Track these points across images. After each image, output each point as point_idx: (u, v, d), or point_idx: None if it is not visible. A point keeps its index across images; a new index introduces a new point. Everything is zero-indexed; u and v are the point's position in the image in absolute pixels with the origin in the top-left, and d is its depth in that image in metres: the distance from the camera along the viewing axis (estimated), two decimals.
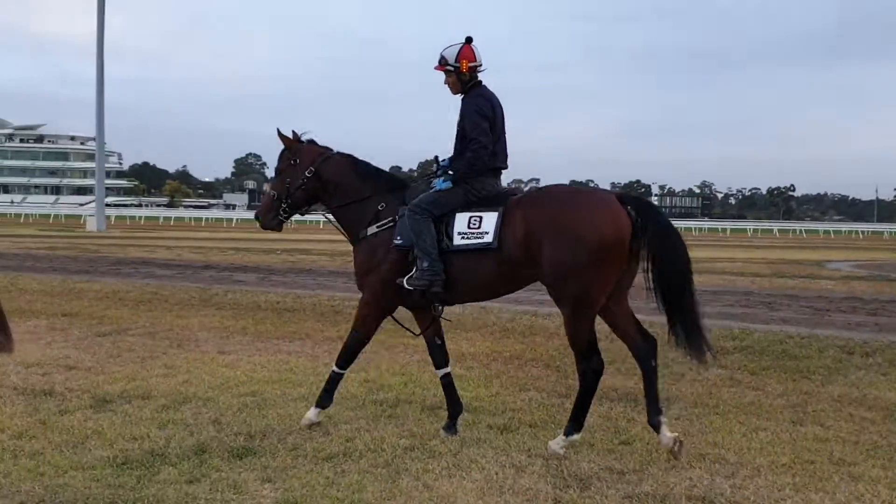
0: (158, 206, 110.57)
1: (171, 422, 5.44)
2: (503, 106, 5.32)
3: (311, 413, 5.36)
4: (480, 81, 5.28)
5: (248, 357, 7.69)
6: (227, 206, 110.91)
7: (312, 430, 5.29)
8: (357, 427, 5.39)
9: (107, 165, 73.50)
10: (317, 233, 41.97)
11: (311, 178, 5.47)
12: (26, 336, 8.48)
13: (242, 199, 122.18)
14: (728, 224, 77.27)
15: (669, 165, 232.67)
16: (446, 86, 5.30)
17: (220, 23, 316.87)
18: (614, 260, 4.72)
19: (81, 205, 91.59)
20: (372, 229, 5.27)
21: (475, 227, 4.94)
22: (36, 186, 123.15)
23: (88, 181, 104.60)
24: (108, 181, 77.35)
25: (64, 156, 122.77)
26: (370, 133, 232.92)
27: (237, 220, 68.21)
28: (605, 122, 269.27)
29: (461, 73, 5.20)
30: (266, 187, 5.93)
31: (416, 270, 5.01)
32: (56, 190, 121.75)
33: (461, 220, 5.00)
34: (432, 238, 4.97)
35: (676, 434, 4.85)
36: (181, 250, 25.27)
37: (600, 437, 5.28)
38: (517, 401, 6.21)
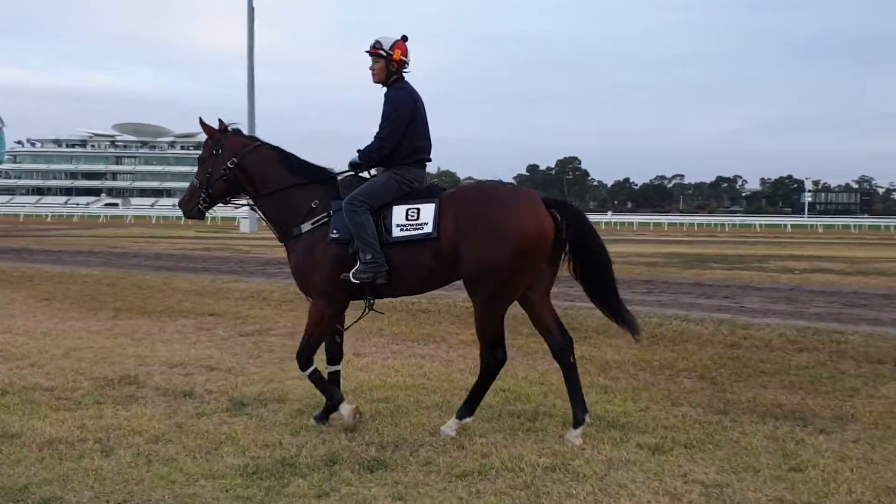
0: None
1: (304, 428, 5.30)
2: (424, 101, 5.41)
3: (344, 408, 5.29)
4: (404, 77, 5.36)
5: (383, 360, 7.51)
6: None
7: (447, 443, 4.99)
8: (493, 442, 5.04)
9: None
10: None
11: (234, 168, 5.43)
12: (174, 336, 8.74)
13: None
14: (891, 221, 71.21)
15: (824, 159, 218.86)
16: (370, 71, 5.35)
17: (363, 30, 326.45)
18: (533, 260, 4.87)
19: (236, 207, 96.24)
20: (306, 227, 5.25)
21: (413, 219, 5.00)
22: None
23: None
24: None
25: None
26: (521, 131, 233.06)
27: None
28: (755, 114, 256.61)
29: (391, 61, 5.27)
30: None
31: (359, 263, 5.00)
32: None
33: (399, 213, 5.05)
34: (373, 230, 5.01)
35: (581, 442, 4.98)
36: None
37: (766, 462, 4.68)
38: (669, 417, 5.65)
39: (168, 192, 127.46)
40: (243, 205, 5.93)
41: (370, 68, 5.34)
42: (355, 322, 5.61)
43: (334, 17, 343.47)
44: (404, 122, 5.19)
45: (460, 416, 5.18)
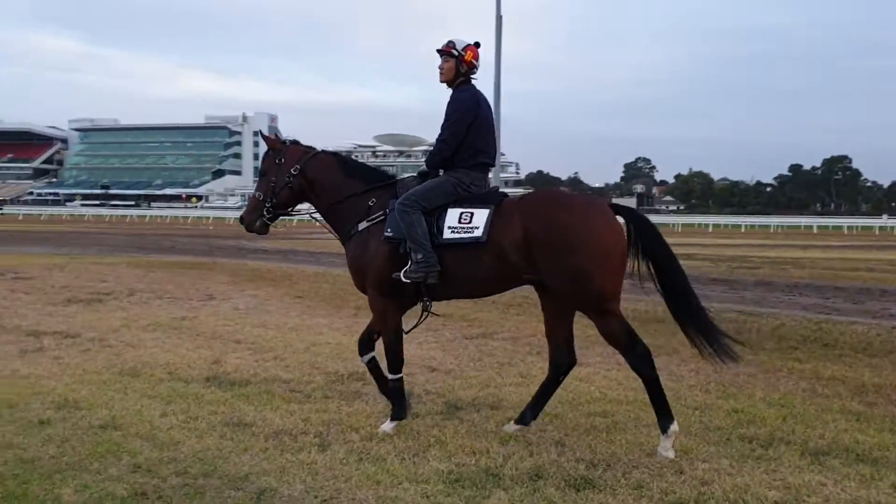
0: None
1: (513, 437, 5.16)
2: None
3: (388, 426, 5.28)
4: (471, 80, 5.37)
5: (605, 371, 7.18)
6: None
7: (663, 466, 4.59)
8: (717, 468, 4.56)
9: (505, 175, 78.77)
10: (704, 236, 40.00)
11: (297, 176, 5.56)
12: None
13: (631, 202, 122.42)
14: None
15: None
16: (439, 70, 5.36)
17: (596, 32, 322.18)
18: (615, 261, 4.76)
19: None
20: (363, 225, 5.35)
21: (466, 222, 5.00)
22: None
23: None
24: (506, 189, 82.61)
25: None
26: (767, 130, 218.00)
27: None
28: None
29: (461, 62, 5.29)
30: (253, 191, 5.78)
31: (410, 263, 5.03)
32: None
33: (452, 215, 5.07)
34: (423, 230, 5.02)
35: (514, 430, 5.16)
36: None
37: None
38: None
39: None
40: (302, 214, 6.05)
41: (439, 67, 5.38)
42: (415, 326, 5.56)
43: (566, 27, 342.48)
44: (465, 124, 5.20)
45: (665, 429, 4.78)
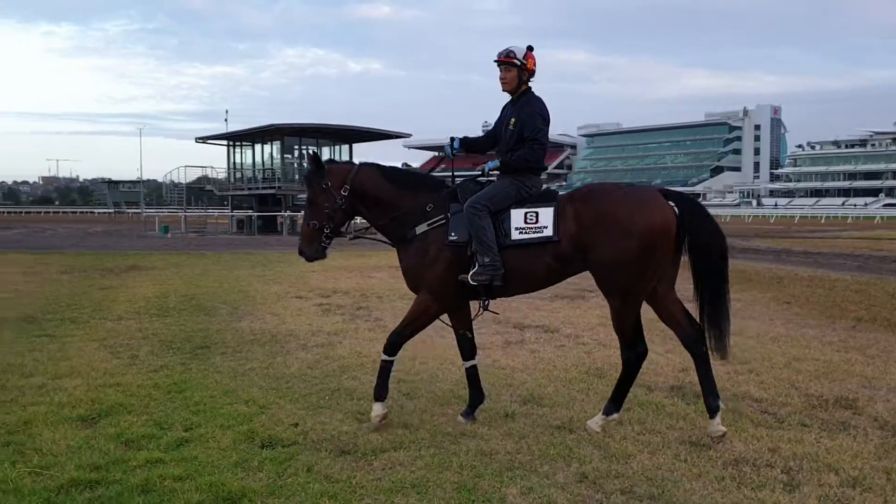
0: None
1: None
2: None
3: (376, 407, 5.32)
4: (531, 87, 5.39)
5: None
6: None
7: None
8: None
9: None
10: None
11: (349, 195, 5.44)
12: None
13: None
14: None
15: None
16: (501, 81, 5.36)
17: None
18: (662, 252, 4.89)
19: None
20: (422, 228, 5.29)
21: (532, 222, 5.06)
22: None
23: None
24: None
25: None
26: None
27: None
28: None
29: (524, 70, 5.32)
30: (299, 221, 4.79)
31: (477, 266, 5.05)
32: None
33: (517, 216, 5.12)
34: (492, 234, 5.06)
35: (724, 429, 4.93)
36: None
37: None
38: None
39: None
40: (356, 233, 6.00)
41: (501, 78, 5.37)
42: (472, 321, 5.59)
43: None
44: (546, 126, 5.33)
45: (607, 412, 5.27)
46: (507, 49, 5.38)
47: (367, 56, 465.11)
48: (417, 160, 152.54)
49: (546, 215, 5.09)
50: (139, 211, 72.96)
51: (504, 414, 5.68)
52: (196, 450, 4.86)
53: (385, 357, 5.40)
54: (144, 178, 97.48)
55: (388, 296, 12.40)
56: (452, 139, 5.63)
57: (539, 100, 5.42)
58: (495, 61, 5.39)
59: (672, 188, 5.50)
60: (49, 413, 5.56)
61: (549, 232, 5.06)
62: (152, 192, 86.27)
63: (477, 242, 5.10)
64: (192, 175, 46.94)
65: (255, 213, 39.91)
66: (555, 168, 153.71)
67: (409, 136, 51.37)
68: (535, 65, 5.41)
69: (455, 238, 5.20)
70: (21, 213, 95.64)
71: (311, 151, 5.79)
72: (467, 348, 5.69)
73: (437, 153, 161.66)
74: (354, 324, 9.71)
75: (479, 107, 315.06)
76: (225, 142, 44.25)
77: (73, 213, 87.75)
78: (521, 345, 8.35)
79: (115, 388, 6.35)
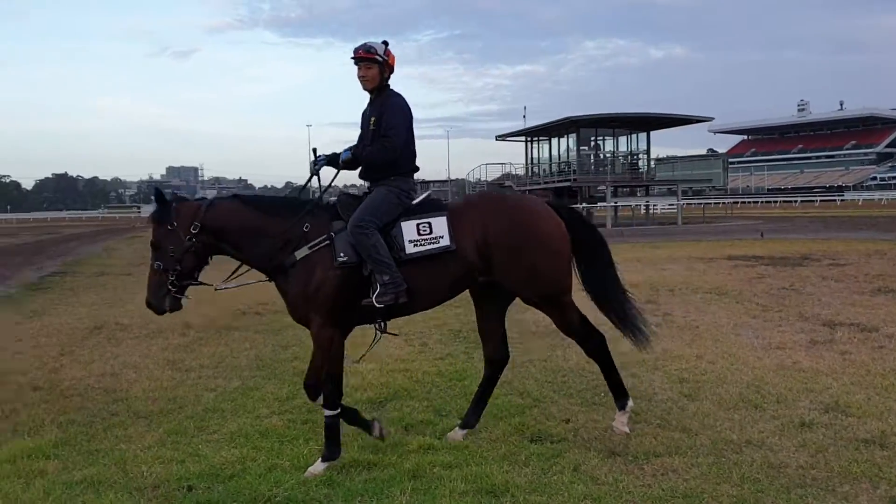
0: None
1: None
2: None
3: (318, 467, 4.54)
4: (390, 85, 5.07)
5: None
6: None
7: None
8: None
9: None
10: None
11: (199, 233, 4.69)
12: None
13: None
14: None
15: None
16: (360, 79, 4.95)
17: None
18: (567, 255, 4.96)
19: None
20: (303, 251, 4.70)
21: (426, 233, 4.76)
22: None
23: None
24: None
25: None
26: None
27: None
28: None
29: (385, 66, 4.94)
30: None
31: (378, 287, 4.62)
32: None
33: (409, 228, 4.79)
34: (385, 250, 4.67)
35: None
36: None
37: None
38: None
39: None
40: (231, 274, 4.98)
41: (361, 76, 4.96)
42: (368, 350, 5.20)
43: None
44: (409, 130, 4.98)
45: (622, 407, 5.06)
46: (366, 45, 4.93)
47: (668, 41, 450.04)
48: (723, 145, 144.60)
49: (440, 225, 4.77)
50: None
51: (800, 423, 5.06)
52: (468, 439, 4.96)
53: (329, 412, 4.71)
54: (452, 177, 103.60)
55: (680, 289, 11.80)
56: (318, 158, 5.03)
57: (399, 97, 5.01)
58: (353, 58, 4.95)
59: None
60: (343, 395, 6.02)
61: (446, 241, 4.75)
62: (459, 191, 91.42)
63: (372, 262, 4.65)
64: (493, 172, 48.83)
65: None
66: (886, 147, 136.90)
67: (710, 119, 48.85)
68: (394, 61, 4.99)
69: (345, 259, 4.68)
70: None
71: (154, 188, 5.13)
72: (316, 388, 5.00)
73: (745, 136, 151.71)
74: None
75: (793, 85, 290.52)
76: (523, 138, 45.52)
77: None
78: (829, 345, 7.43)
79: (403, 373, 6.73)
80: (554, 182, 41.03)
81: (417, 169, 5.16)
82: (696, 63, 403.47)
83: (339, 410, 4.74)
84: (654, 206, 47.70)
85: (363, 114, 5.09)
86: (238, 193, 5.18)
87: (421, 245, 4.75)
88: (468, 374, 6.63)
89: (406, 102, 5.02)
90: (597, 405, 5.64)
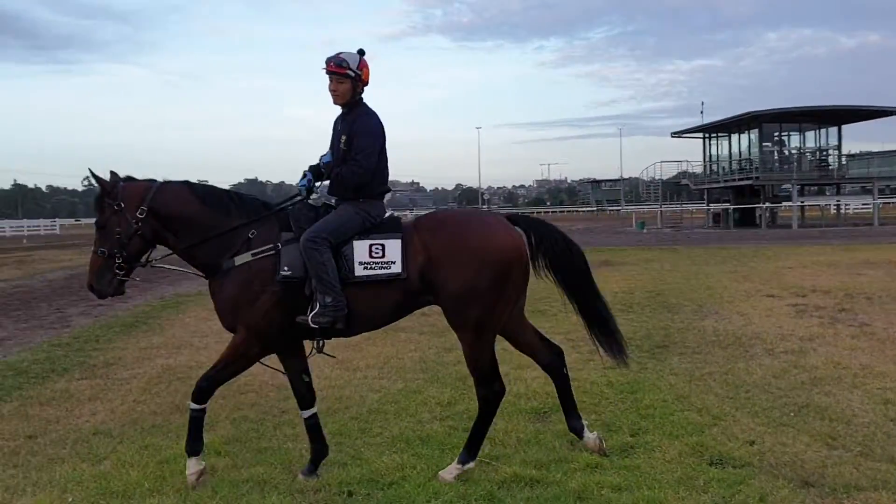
0: None
1: None
2: None
3: (191, 463, 4.46)
4: (363, 100, 4.74)
5: None
6: None
7: None
8: None
9: None
10: None
11: (146, 217, 4.46)
12: None
13: None
14: None
15: None
16: (331, 93, 4.63)
17: None
18: (516, 279, 4.51)
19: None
20: (243, 258, 4.44)
21: (378, 256, 4.45)
22: None
23: None
24: None
25: None
26: None
27: None
28: None
29: (359, 81, 4.60)
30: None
31: (318, 307, 4.35)
32: None
33: (361, 249, 4.49)
34: (334, 271, 4.41)
35: (596, 432, 4.83)
36: None
37: None
38: None
39: None
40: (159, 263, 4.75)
41: (332, 90, 4.61)
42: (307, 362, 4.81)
43: None
44: (380, 153, 4.67)
45: (462, 461, 4.49)
46: (337, 57, 4.56)
47: (861, 28, 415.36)
48: None
49: (393, 248, 4.47)
50: (618, 208, 75.90)
51: None
52: (639, 458, 4.60)
53: (194, 406, 4.47)
54: (624, 176, 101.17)
55: (879, 297, 10.67)
56: (305, 173, 4.75)
57: (372, 116, 4.67)
58: (324, 69, 4.59)
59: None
60: (506, 403, 5.77)
61: (397, 268, 4.44)
62: (632, 190, 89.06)
63: (317, 281, 4.36)
64: (668, 171, 47.05)
65: (732, 206, 38.35)
66: None
67: None
68: (369, 75, 4.64)
69: (289, 273, 4.39)
70: (517, 213, 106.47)
71: (110, 171, 4.72)
72: (305, 395, 4.80)
73: None
74: (833, 328, 8.48)
75: None
76: (700, 134, 43.55)
77: (560, 212, 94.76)
78: None
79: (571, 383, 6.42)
80: (735, 180, 38.88)
81: (389, 191, 4.96)
82: (893, 50, 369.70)
83: (205, 406, 4.51)
84: (847, 205, 44.06)
85: (334, 125, 4.81)
86: (188, 180, 4.81)
87: (370, 268, 4.47)
88: (641, 385, 6.24)
89: (379, 122, 4.72)
90: (786, 426, 5.09)
